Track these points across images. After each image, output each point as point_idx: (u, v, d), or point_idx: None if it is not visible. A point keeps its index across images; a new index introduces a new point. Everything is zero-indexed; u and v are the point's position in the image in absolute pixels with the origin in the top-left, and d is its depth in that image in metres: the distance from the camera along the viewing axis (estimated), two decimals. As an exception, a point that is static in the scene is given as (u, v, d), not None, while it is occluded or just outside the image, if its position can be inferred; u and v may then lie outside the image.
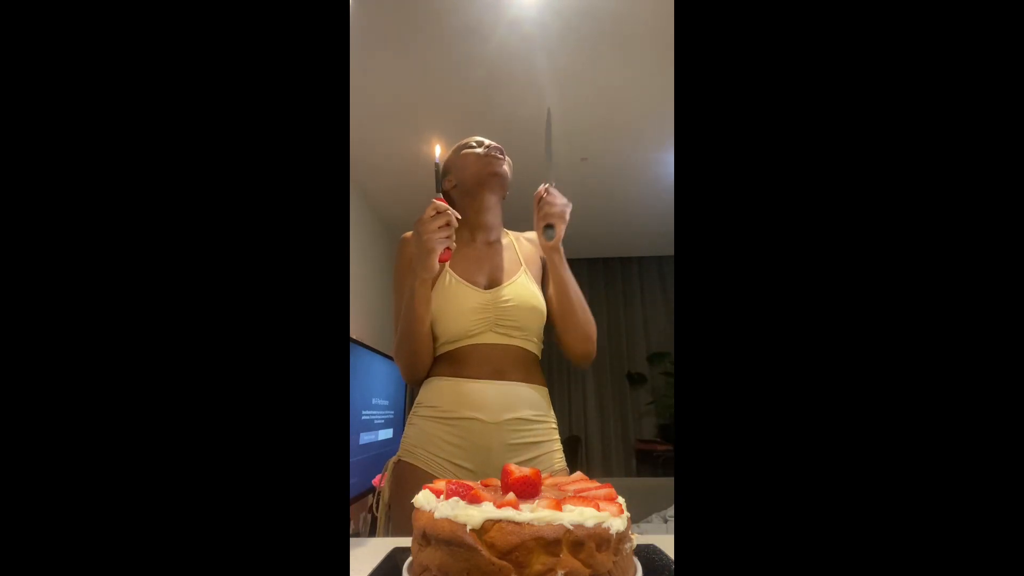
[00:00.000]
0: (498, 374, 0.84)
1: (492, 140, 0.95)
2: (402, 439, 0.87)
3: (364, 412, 2.20)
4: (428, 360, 0.87)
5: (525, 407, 0.84)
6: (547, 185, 0.83)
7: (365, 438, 2.19)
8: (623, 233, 3.48)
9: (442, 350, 0.87)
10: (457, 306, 0.84)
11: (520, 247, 0.95)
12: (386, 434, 2.51)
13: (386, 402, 2.54)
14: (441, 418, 0.83)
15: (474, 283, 0.87)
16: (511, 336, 0.86)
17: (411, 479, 0.80)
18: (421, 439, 0.84)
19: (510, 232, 0.98)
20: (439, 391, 0.85)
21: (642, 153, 2.47)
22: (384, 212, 3.09)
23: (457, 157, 0.95)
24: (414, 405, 0.89)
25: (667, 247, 3.73)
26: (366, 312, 2.85)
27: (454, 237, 0.78)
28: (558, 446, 0.88)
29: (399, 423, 2.79)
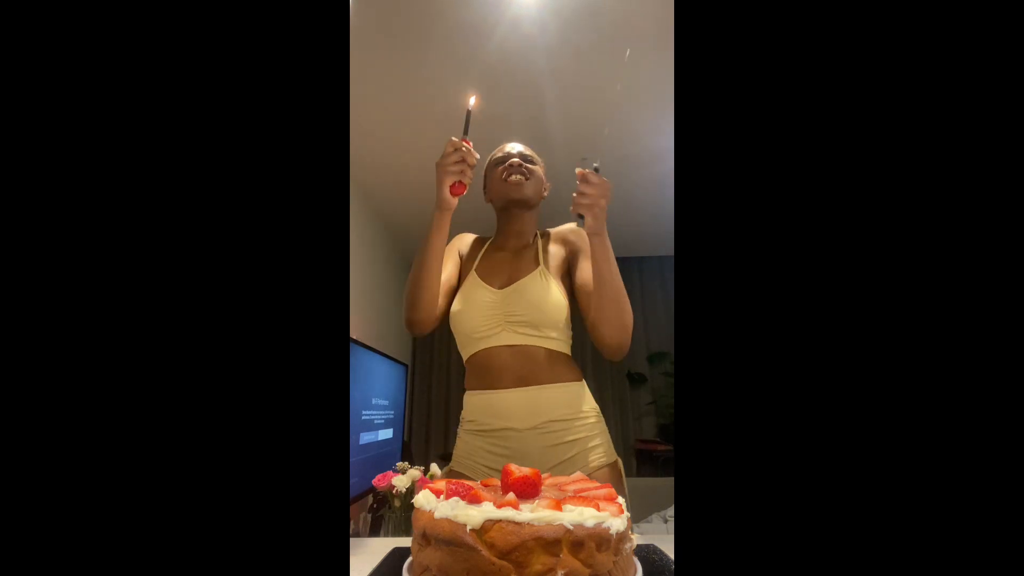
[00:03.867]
0: (522, 380, 0.86)
1: (497, 139, 0.96)
2: (453, 452, 0.93)
3: (364, 412, 2.20)
4: (431, 306, 0.86)
5: (554, 409, 0.85)
6: (585, 169, 0.73)
7: (365, 438, 2.19)
8: (623, 233, 3.47)
9: (466, 354, 0.91)
10: (472, 304, 0.89)
11: (542, 245, 0.95)
12: (386, 434, 2.50)
13: (386, 402, 2.53)
14: (480, 431, 0.88)
15: (490, 284, 0.90)
16: (528, 335, 0.86)
17: None
18: (467, 451, 0.90)
19: (549, 231, 0.99)
20: (474, 406, 0.90)
21: (642, 153, 2.47)
22: (384, 212, 3.09)
23: (488, 170, 0.99)
24: (460, 420, 0.95)
25: (667, 247, 3.73)
26: (366, 312, 2.84)
27: (469, 173, 0.78)
28: (601, 439, 0.88)
29: (399, 423, 2.78)
